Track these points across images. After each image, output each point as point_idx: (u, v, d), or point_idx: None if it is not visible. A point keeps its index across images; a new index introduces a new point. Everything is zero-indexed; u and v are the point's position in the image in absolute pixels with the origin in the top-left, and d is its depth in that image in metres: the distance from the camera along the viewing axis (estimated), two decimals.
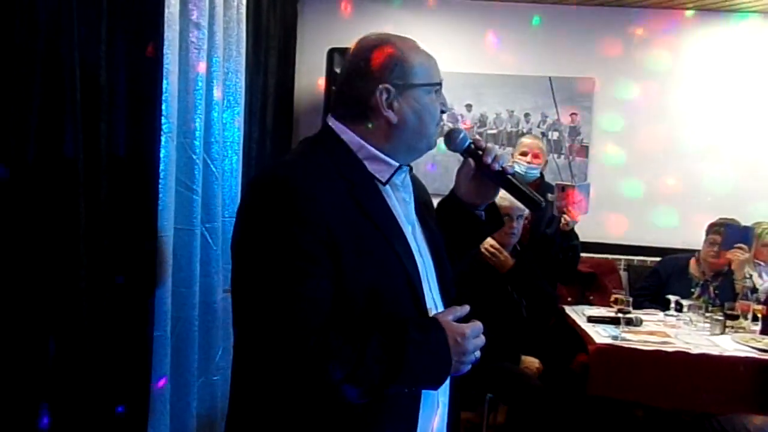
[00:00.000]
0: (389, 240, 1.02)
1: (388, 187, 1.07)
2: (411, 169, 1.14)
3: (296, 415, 0.98)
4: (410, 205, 1.12)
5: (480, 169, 1.18)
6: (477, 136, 1.13)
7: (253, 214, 0.98)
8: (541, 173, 3.02)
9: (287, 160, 1.07)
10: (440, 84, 1.09)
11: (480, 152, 1.17)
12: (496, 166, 1.17)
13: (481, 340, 1.04)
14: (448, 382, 1.06)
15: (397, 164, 1.08)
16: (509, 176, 1.18)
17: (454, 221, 1.23)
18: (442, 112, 1.11)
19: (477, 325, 1.03)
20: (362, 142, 1.05)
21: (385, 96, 1.03)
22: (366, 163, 1.05)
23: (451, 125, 3.43)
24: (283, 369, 0.93)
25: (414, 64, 1.06)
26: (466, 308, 1.05)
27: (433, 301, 1.08)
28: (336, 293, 0.95)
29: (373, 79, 1.04)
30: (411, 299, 1.03)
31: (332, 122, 1.08)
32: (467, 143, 1.17)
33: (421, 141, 1.08)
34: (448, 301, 1.12)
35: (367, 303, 0.98)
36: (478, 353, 1.03)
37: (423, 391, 1.04)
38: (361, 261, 0.97)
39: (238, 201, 2.50)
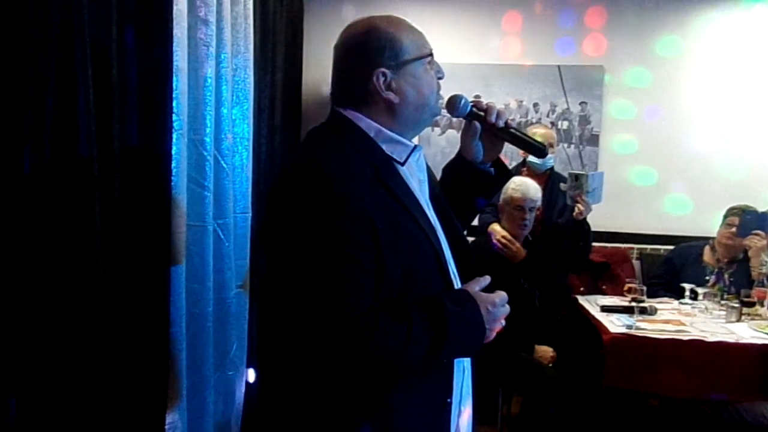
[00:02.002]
0: (416, 219, 1.05)
1: (405, 167, 1.10)
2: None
3: (342, 390, 1.02)
4: (425, 183, 1.15)
5: (485, 128, 1.23)
6: (475, 98, 1.19)
7: (292, 205, 0.99)
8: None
9: (313, 150, 1.08)
10: (431, 54, 1.12)
11: (482, 113, 1.22)
12: (500, 123, 1.22)
13: (507, 308, 1.10)
14: None
15: (413, 144, 1.11)
16: (512, 130, 1.24)
17: (467, 181, 1.28)
18: (439, 78, 1.13)
19: (503, 294, 1.10)
20: (378, 126, 1.08)
21: (382, 79, 1.06)
22: (383, 146, 1.08)
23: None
24: (339, 352, 0.95)
25: (403, 41, 1.08)
26: (488, 279, 1.10)
27: (453, 274, 1.12)
28: (378, 276, 0.99)
29: (367, 65, 1.06)
30: (440, 274, 1.07)
31: (343, 110, 1.10)
32: (469, 107, 1.22)
33: (425, 113, 1.12)
34: (465, 273, 1.16)
35: (403, 281, 1.01)
36: (503, 321, 1.09)
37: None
38: (397, 242, 1.00)
39: (249, 196, 2.53)
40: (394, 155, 1.08)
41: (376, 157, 1.06)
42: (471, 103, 1.22)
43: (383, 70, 1.05)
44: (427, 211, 1.11)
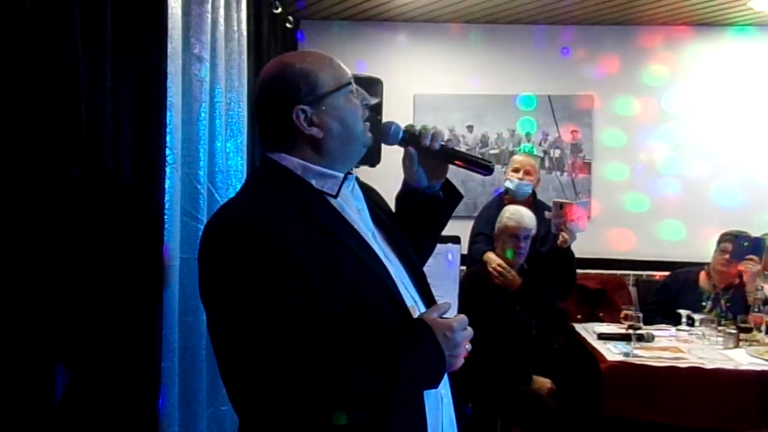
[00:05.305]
0: (353, 251, 1.01)
1: (339, 199, 1.07)
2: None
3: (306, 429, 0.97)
4: (364, 212, 1.12)
5: (422, 153, 1.19)
6: (409, 123, 1.10)
7: (219, 260, 0.97)
8: (534, 191, 3.02)
9: (237, 201, 1.07)
10: (350, 82, 1.08)
11: (416, 137, 1.18)
12: (436, 146, 1.17)
13: (469, 332, 1.05)
14: (445, 377, 1.06)
15: (342, 175, 1.08)
16: (452, 150, 1.19)
17: (416, 208, 1.24)
18: (366, 105, 1.10)
19: (462, 317, 1.05)
20: (303, 162, 1.06)
21: (302, 116, 1.04)
22: (312, 182, 1.06)
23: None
24: (279, 402, 0.91)
25: (318, 75, 1.05)
26: (449, 304, 1.06)
27: (413, 299, 1.09)
28: (316, 317, 0.95)
29: (285, 104, 1.04)
30: (390, 304, 1.03)
31: (270, 154, 1.08)
32: (401, 134, 1.18)
33: (353, 143, 1.08)
34: (427, 297, 1.13)
35: (349, 319, 0.98)
36: (468, 346, 1.05)
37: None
38: (332, 281, 0.97)
39: None
40: (325, 189, 1.06)
41: (303, 194, 1.03)
42: (403, 129, 1.18)
43: (302, 106, 1.03)
44: (370, 241, 1.07)
